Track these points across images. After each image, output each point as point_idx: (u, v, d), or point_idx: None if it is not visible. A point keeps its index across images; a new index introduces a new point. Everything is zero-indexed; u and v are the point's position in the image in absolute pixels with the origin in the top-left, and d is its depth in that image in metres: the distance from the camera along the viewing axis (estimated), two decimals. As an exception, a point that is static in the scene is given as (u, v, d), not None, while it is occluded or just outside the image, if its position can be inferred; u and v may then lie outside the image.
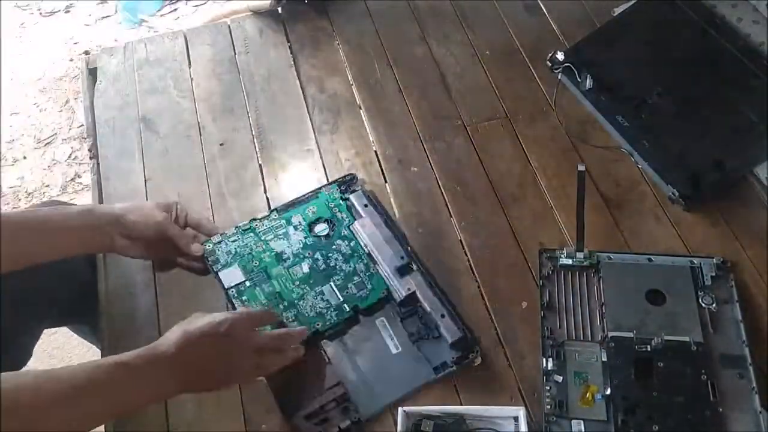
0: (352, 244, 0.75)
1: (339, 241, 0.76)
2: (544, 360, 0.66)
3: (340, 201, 0.79)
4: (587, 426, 0.62)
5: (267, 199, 0.82)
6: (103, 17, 1.99)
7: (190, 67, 0.96)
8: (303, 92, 0.92)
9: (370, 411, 0.65)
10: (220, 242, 0.76)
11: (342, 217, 0.77)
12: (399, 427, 0.60)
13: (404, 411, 0.61)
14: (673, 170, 0.79)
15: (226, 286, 0.73)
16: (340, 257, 0.74)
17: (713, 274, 0.71)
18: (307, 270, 0.74)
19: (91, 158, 0.88)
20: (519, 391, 0.66)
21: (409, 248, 0.74)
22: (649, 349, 0.65)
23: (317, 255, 0.75)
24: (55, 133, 1.73)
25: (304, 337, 0.66)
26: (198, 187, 0.83)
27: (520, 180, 0.82)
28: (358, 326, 0.70)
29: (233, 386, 0.65)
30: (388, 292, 0.71)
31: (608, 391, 0.63)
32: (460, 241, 0.77)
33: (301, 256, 0.75)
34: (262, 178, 0.84)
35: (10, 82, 1.84)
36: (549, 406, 0.63)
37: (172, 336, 0.58)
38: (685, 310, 0.68)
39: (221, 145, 0.87)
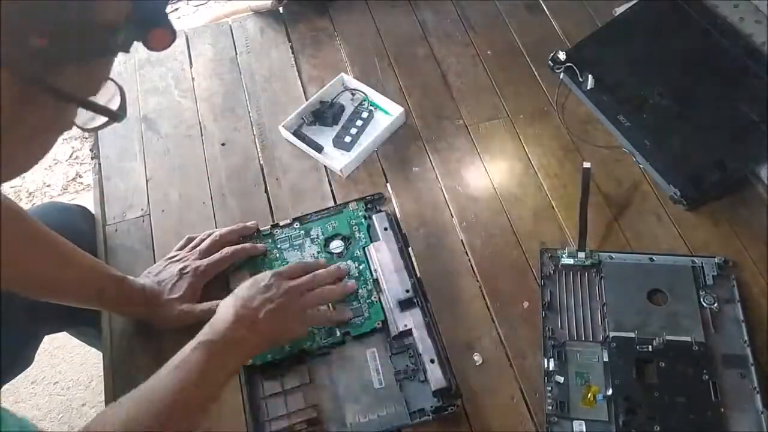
0: (361, 267, 0.74)
1: (349, 262, 0.74)
2: (546, 360, 0.66)
3: (362, 220, 0.77)
4: (589, 426, 0.62)
5: (268, 198, 0.82)
6: (104, 17, 1.99)
7: (191, 67, 0.96)
8: (304, 92, 0.92)
9: None
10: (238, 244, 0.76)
11: (359, 237, 0.76)
12: None
13: None
14: (674, 170, 0.79)
15: (231, 290, 0.72)
16: (346, 278, 0.73)
17: (715, 273, 0.71)
18: None
19: (92, 158, 0.88)
20: (520, 391, 0.66)
21: (417, 281, 0.72)
22: (650, 349, 0.65)
23: None
24: (56, 133, 1.73)
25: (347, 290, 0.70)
26: (199, 187, 0.83)
27: (521, 179, 0.82)
28: (348, 352, 0.68)
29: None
30: (384, 323, 0.69)
31: (609, 392, 0.63)
32: (461, 240, 0.77)
33: None
34: (264, 178, 0.84)
35: (11, 81, 1.84)
36: (550, 407, 0.63)
37: (224, 314, 0.61)
38: (686, 310, 0.68)
39: (222, 144, 0.87)
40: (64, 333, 0.92)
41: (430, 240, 0.77)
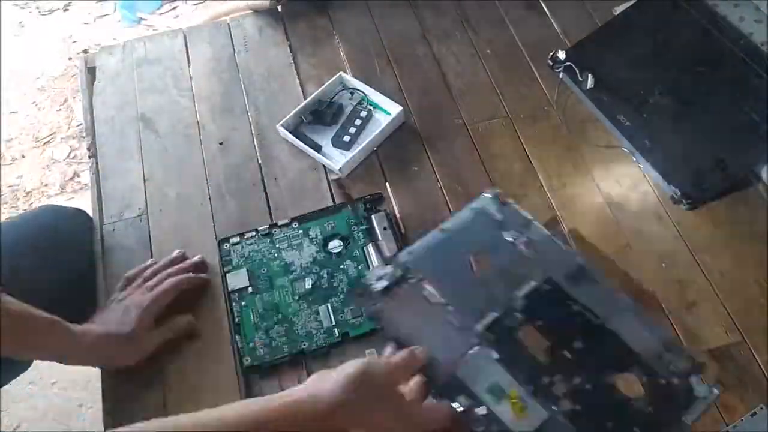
0: (360, 267, 0.73)
1: (348, 262, 0.74)
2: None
3: (361, 219, 0.77)
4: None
5: (266, 198, 0.81)
6: (102, 16, 1.99)
7: (189, 66, 0.96)
8: (303, 91, 0.91)
9: None
10: (237, 243, 0.76)
11: (358, 237, 0.75)
12: None
13: None
14: (674, 170, 0.79)
15: (229, 289, 0.73)
16: (345, 279, 0.73)
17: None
18: (309, 286, 0.72)
19: (90, 157, 0.87)
20: (520, 392, 0.66)
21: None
22: None
23: (323, 272, 0.73)
24: (54, 132, 1.73)
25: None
26: (197, 186, 0.83)
27: (520, 179, 0.81)
28: (347, 352, 0.68)
29: None
30: None
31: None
32: (461, 240, 0.77)
33: (308, 270, 0.73)
34: (262, 178, 0.83)
35: (9, 80, 1.83)
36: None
37: (325, 384, 0.52)
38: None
39: (221, 144, 0.87)
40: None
41: (429, 240, 0.77)
